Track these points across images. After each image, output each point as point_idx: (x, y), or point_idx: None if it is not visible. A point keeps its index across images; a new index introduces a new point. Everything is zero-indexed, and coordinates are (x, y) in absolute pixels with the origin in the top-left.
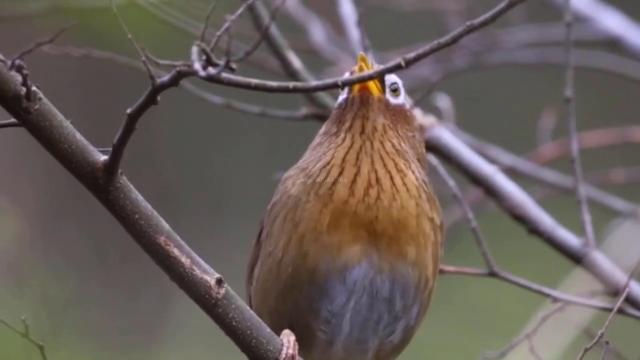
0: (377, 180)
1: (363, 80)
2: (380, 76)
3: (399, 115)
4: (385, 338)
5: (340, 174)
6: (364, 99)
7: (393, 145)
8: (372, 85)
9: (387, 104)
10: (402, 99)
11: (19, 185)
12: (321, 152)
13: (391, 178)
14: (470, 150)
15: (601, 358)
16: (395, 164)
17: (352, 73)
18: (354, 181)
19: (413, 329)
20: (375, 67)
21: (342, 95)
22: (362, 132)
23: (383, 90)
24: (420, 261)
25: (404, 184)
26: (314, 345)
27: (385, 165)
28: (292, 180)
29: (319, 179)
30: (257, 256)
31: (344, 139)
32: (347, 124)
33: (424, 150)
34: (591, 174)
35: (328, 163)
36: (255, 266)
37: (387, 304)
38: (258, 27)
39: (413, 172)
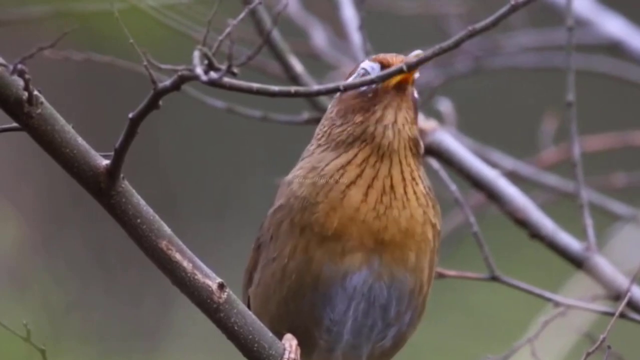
0: (392, 187)
1: (364, 84)
2: (381, 80)
3: (415, 109)
4: (377, 343)
5: (359, 176)
6: (402, 87)
7: (411, 147)
8: (411, 78)
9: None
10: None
11: (20, 189)
12: (342, 149)
13: (404, 187)
14: (472, 155)
15: None
16: (411, 171)
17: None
18: (370, 186)
19: (405, 334)
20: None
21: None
22: (395, 122)
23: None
24: (419, 267)
25: (414, 192)
26: (314, 352)
27: (402, 171)
28: (299, 180)
29: (332, 180)
30: (257, 261)
31: (372, 134)
32: (377, 115)
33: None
34: (593, 178)
35: (349, 162)
36: (255, 271)
37: (382, 310)
38: (260, 32)
39: (422, 180)
